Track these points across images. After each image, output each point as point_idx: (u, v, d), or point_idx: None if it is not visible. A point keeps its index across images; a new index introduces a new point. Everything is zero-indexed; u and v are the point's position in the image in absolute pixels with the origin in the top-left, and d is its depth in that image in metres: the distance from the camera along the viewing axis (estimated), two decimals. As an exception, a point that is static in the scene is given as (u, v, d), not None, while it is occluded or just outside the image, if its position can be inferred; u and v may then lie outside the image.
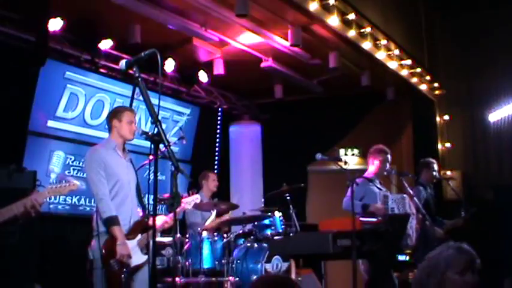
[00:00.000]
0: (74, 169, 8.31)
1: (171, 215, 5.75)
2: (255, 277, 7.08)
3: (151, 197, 3.89)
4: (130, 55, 3.58)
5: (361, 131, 11.62)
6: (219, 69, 9.35)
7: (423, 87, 11.33)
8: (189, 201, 6.07)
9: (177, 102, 10.00)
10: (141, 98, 3.56)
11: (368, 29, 8.76)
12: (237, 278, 7.17)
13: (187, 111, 10.19)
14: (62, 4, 7.16)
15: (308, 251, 5.88)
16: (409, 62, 10.23)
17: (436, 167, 8.45)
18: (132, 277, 5.10)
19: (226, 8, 7.43)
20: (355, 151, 11.88)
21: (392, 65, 9.81)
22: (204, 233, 7.30)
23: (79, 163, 8.28)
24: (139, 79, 3.58)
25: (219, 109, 11.55)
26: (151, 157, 3.58)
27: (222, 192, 9.01)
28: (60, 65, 7.99)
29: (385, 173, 7.30)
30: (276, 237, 7.41)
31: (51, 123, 8.02)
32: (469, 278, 2.82)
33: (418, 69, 10.75)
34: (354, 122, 11.74)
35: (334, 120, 11.49)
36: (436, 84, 11.72)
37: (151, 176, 3.52)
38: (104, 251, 4.95)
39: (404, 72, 10.32)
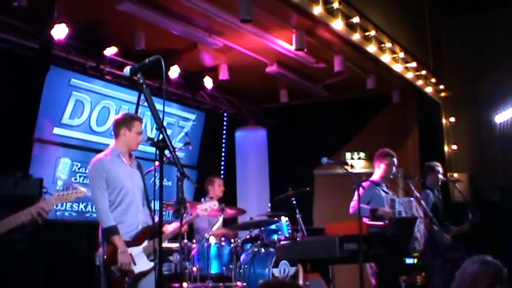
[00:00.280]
0: (80, 176, 8.32)
1: (186, 220, 5.77)
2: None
3: (158, 202, 3.89)
4: (135, 61, 3.59)
5: (367, 134, 11.60)
6: (224, 74, 9.37)
7: (429, 89, 11.31)
8: (205, 208, 6.06)
9: (183, 107, 10.01)
10: (146, 104, 3.56)
11: (372, 32, 8.75)
12: (245, 283, 7.17)
13: (193, 116, 10.20)
14: (67, 11, 7.18)
15: (315, 255, 5.88)
16: (414, 64, 10.22)
17: (441, 170, 8.42)
18: (138, 284, 5.10)
19: (231, 14, 7.44)
20: (362, 155, 11.86)
21: (398, 68, 9.80)
22: (212, 239, 7.31)
23: (85, 170, 8.28)
24: (144, 85, 3.59)
25: (225, 114, 11.56)
26: (157, 163, 3.58)
27: (229, 197, 9.00)
28: (65, 72, 8.01)
29: (392, 176, 7.29)
30: (283, 242, 7.40)
31: (57, 131, 8.04)
32: None
33: (424, 72, 10.72)
34: (359, 126, 11.72)
35: (340, 124, 11.47)
36: (441, 87, 11.70)
37: (158, 182, 3.52)
38: (105, 257, 4.97)
39: (409, 75, 10.30)
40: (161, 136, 3.45)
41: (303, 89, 10.49)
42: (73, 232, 8.18)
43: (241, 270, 7.27)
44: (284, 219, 7.85)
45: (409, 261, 6.94)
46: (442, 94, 11.95)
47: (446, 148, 12.05)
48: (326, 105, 11.41)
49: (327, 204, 11.31)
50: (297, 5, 7.24)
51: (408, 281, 7.48)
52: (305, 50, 8.34)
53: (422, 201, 7.36)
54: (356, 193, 6.00)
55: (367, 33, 8.70)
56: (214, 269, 7.19)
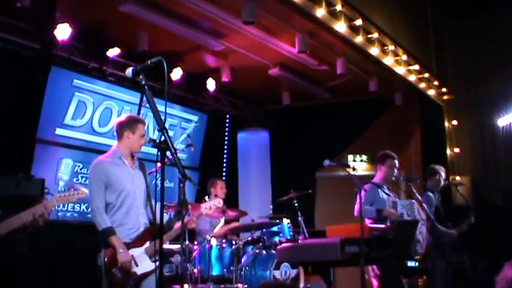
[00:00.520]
0: (82, 177, 8.32)
1: (194, 215, 5.77)
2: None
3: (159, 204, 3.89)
4: (138, 63, 3.59)
5: (369, 136, 11.59)
6: (226, 76, 9.37)
7: (431, 92, 11.30)
8: (209, 206, 6.05)
9: (185, 109, 10.00)
10: (148, 105, 3.56)
11: (375, 35, 8.76)
12: (246, 285, 7.17)
13: (195, 118, 10.20)
14: (70, 12, 7.20)
15: (316, 257, 5.87)
16: (417, 67, 10.22)
17: (443, 174, 8.42)
18: (140, 285, 5.09)
19: (234, 16, 7.44)
20: (364, 157, 11.85)
21: (400, 70, 9.80)
22: (213, 240, 7.30)
23: (87, 171, 8.25)
24: (146, 87, 3.59)
25: (227, 116, 11.57)
26: (158, 165, 3.58)
27: (230, 199, 9.00)
28: (68, 73, 8.01)
29: (394, 179, 7.27)
30: (284, 244, 7.39)
31: (59, 131, 8.04)
32: None
33: (426, 75, 10.72)
34: (362, 128, 11.71)
35: (342, 126, 11.47)
36: (444, 90, 11.69)
37: (159, 183, 3.52)
38: (106, 260, 4.97)
39: (412, 78, 10.30)
40: (163, 137, 3.45)
41: (306, 91, 10.49)
42: (74, 233, 8.17)
43: (242, 272, 7.26)
44: (286, 221, 7.85)
45: (410, 264, 6.92)
46: (445, 97, 11.94)
47: (448, 151, 12.04)
48: (328, 108, 11.41)
49: (329, 207, 11.30)
50: (299, 7, 7.24)
51: (410, 284, 7.46)
52: (308, 52, 8.34)
53: (424, 204, 7.35)
54: (359, 196, 5.99)
55: (370, 36, 8.70)
56: (215, 270, 7.18)
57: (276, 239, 7.69)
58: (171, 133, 9.33)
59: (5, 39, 7.23)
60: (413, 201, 6.80)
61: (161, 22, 7.50)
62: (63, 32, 7.20)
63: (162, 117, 3.50)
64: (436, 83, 11.27)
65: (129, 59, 8.24)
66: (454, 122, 12.21)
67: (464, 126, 12.21)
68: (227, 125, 11.67)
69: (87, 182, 8.07)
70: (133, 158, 5.31)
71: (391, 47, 9.27)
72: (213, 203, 6.12)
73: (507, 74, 11.62)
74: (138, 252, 5.07)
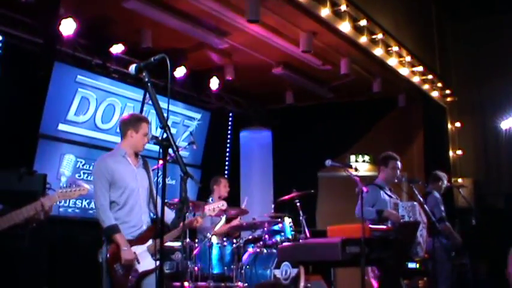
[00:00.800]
0: (84, 173, 8.34)
1: (198, 215, 5.77)
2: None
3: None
4: (141, 60, 3.59)
5: (372, 137, 11.58)
6: (230, 74, 9.37)
7: (435, 94, 11.30)
8: (213, 208, 6.05)
9: (188, 107, 10.01)
10: (150, 102, 3.56)
11: (380, 36, 8.75)
12: (246, 284, 7.16)
13: (198, 116, 10.21)
14: (74, 8, 7.20)
15: (317, 257, 5.87)
16: (420, 68, 10.21)
17: (446, 181, 8.45)
18: (141, 282, 5.09)
19: (238, 14, 7.44)
20: (366, 157, 11.85)
21: (404, 71, 9.79)
22: (214, 238, 7.31)
23: (89, 167, 8.31)
24: (149, 84, 3.58)
25: (230, 114, 11.57)
26: (160, 162, 3.58)
27: (232, 197, 9.00)
28: (71, 69, 8.02)
29: (396, 180, 7.26)
30: (285, 243, 7.39)
31: (62, 127, 8.05)
32: None
33: (430, 76, 10.72)
34: (365, 129, 11.70)
35: (345, 127, 11.46)
36: (447, 91, 11.69)
37: (161, 180, 3.52)
38: (108, 256, 4.97)
39: (415, 79, 10.29)
40: (165, 135, 3.45)
41: (309, 90, 10.49)
42: (76, 229, 8.19)
43: (242, 271, 7.26)
44: (287, 220, 7.85)
45: (411, 265, 6.92)
46: (448, 99, 11.93)
47: (451, 153, 12.04)
48: (331, 108, 11.40)
49: (330, 207, 11.31)
50: (304, 7, 7.24)
51: (410, 286, 7.46)
52: (312, 51, 8.33)
53: (426, 206, 7.34)
54: (360, 196, 5.98)
55: (374, 36, 8.70)
56: (215, 268, 7.19)
57: (277, 238, 7.68)
58: (173, 130, 9.34)
59: (9, 34, 7.24)
60: (415, 203, 6.79)
61: (165, 19, 7.50)
62: (67, 27, 7.19)
63: (165, 115, 3.49)
64: (439, 84, 11.26)
65: (133, 55, 8.24)
66: (457, 124, 12.19)
67: (467, 128, 12.20)
68: (230, 123, 11.68)
69: (89, 178, 8.17)
70: (137, 156, 5.32)
71: (395, 48, 9.27)
72: (216, 205, 6.12)
73: (511, 77, 11.60)
74: (140, 250, 5.08)
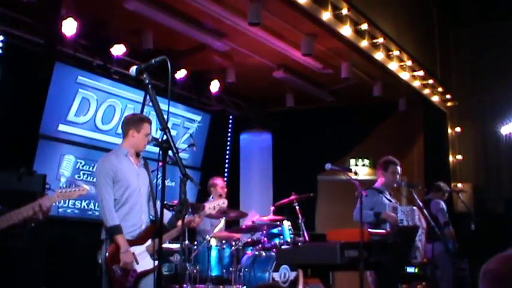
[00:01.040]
0: (84, 173, 8.33)
1: (197, 214, 5.77)
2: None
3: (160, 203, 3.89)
4: (142, 61, 3.59)
5: (372, 141, 11.58)
6: (230, 77, 9.37)
7: (435, 98, 11.30)
8: (213, 206, 6.04)
9: (188, 109, 10.01)
10: (151, 104, 3.57)
11: (380, 40, 8.75)
12: (245, 286, 7.15)
13: (198, 118, 10.21)
14: (75, 9, 7.21)
15: (316, 261, 5.86)
16: (421, 73, 10.21)
17: (447, 194, 8.50)
18: (140, 282, 5.10)
19: (239, 17, 7.44)
20: (366, 161, 11.85)
21: (405, 75, 9.79)
22: (213, 241, 7.30)
23: (89, 167, 8.31)
24: (150, 85, 3.59)
25: (230, 117, 11.57)
26: (160, 163, 3.58)
27: (232, 200, 9.00)
28: (72, 70, 8.03)
29: (395, 185, 7.26)
30: (284, 247, 7.39)
31: (62, 127, 8.05)
32: None
33: (431, 81, 10.72)
34: (365, 132, 11.71)
35: (345, 130, 11.46)
36: (448, 96, 11.69)
37: (161, 182, 3.52)
38: (107, 255, 4.98)
39: (416, 83, 10.29)
40: (165, 137, 3.45)
41: (310, 94, 10.49)
42: (75, 229, 8.19)
43: (241, 274, 7.26)
44: (286, 223, 7.84)
45: (410, 270, 6.92)
46: (449, 104, 11.94)
47: (451, 158, 12.03)
48: (332, 111, 11.40)
49: (329, 210, 11.30)
50: (305, 10, 7.24)
51: (408, 290, 7.45)
52: (312, 55, 8.33)
53: (425, 211, 7.34)
54: (359, 200, 5.98)
55: (375, 41, 8.70)
56: (214, 271, 7.18)
57: (276, 241, 7.68)
58: (173, 132, 9.34)
59: (10, 34, 7.24)
60: (414, 207, 6.79)
61: (166, 21, 7.50)
62: (68, 27, 7.19)
63: (165, 117, 3.50)
64: (440, 89, 11.26)
65: (134, 57, 8.24)
66: (458, 129, 12.19)
67: (467, 133, 12.21)
68: (230, 125, 11.67)
69: (88, 179, 8.17)
70: (138, 156, 5.34)
71: (396, 52, 9.27)
72: (217, 203, 6.11)
73: (511, 82, 11.60)
74: (139, 250, 5.08)
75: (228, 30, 7.98)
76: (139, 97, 8.73)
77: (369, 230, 6.05)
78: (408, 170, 10.31)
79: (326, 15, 7.50)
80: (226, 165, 11.58)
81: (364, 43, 8.41)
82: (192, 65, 9.17)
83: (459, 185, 11.67)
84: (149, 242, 5.16)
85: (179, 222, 5.29)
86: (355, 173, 6.24)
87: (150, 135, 5.33)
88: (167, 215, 5.32)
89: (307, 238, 7.87)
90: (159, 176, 3.57)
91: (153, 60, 3.61)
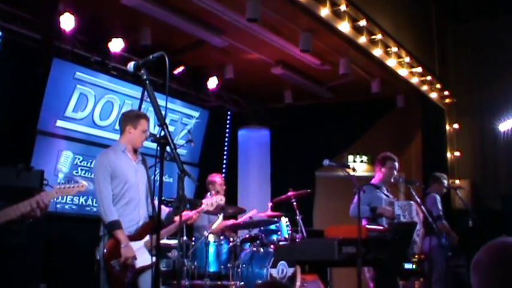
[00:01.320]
0: (82, 169, 8.33)
1: (195, 210, 5.78)
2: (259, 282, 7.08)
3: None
4: (140, 57, 3.59)
5: (370, 137, 11.59)
6: (229, 73, 9.37)
7: (433, 95, 11.30)
8: (211, 203, 6.03)
9: (186, 105, 10.00)
10: (149, 100, 3.56)
11: (379, 36, 8.75)
12: (242, 282, 7.16)
13: (196, 114, 10.20)
14: (73, 4, 7.20)
15: (314, 257, 5.87)
16: (419, 69, 10.21)
17: (446, 182, 8.46)
18: (138, 278, 5.10)
19: (238, 13, 7.44)
20: (364, 158, 11.85)
21: (403, 72, 9.79)
22: (210, 237, 7.30)
23: (87, 163, 8.30)
24: (147, 81, 3.58)
25: (229, 113, 11.56)
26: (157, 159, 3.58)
27: (230, 196, 9.01)
28: (70, 65, 8.01)
29: (393, 181, 7.28)
30: (282, 243, 7.40)
31: (60, 123, 8.04)
32: None
33: (429, 77, 10.72)
34: (363, 129, 11.71)
35: (344, 127, 11.47)
36: (446, 93, 11.69)
37: (158, 178, 3.52)
38: (105, 251, 4.98)
39: (414, 80, 10.29)
40: (163, 133, 3.45)
41: (308, 90, 10.49)
42: (73, 225, 8.19)
43: (239, 270, 7.26)
44: (284, 219, 7.85)
45: (407, 266, 6.92)
46: (447, 100, 11.93)
47: (449, 154, 12.04)
48: (330, 107, 11.40)
49: (327, 206, 11.31)
50: (304, 6, 7.24)
51: (406, 286, 7.46)
52: (311, 51, 8.33)
53: (423, 206, 7.35)
54: (356, 196, 5.99)
55: (373, 37, 8.69)
56: (212, 267, 7.18)
57: (274, 237, 7.69)
58: (171, 128, 9.32)
59: (8, 30, 7.23)
60: (411, 202, 6.80)
61: (164, 17, 7.49)
62: (66, 22, 7.19)
63: (163, 113, 3.49)
64: (438, 86, 11.26)
65: (132, 53, 8.23)
66: (456, 126, 12.20)
67: (465, 129, 12.20)
68: (228, 121, 11.67)
69: (86, 174, 8.17)
70: (136, 152, 5.35)
71: (395, 49, 9.27)
72: (215, 200, 6.11)
73: (509, 80, 11.60)
74: (137, 245, 5.09)
75: (227, 26, 7.98)
76: (137, 93, 8.72)
77: (367, 226, 6.06)
78: (406, 167, 10.32)
79: (324, 11, 7.49)
80: (224, 162, 11.58)
81: (362, 39, 8.40)
82: (190, 61, 9.16)
83: (457, 181, 11.67)
84: (147, 237, 5.17)
85: (176, 218, 5.30)
86: (353, 169, 6.25)
87: (148, 131, 5.34)
88: (164, 211, 5.32)
89: (305, 234, 7.88)
90: (156, 172, 3.57)
91: (151, 56, 3.61)
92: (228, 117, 11.64)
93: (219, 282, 7.15)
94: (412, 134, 11.76)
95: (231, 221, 8.00)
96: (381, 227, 6.36)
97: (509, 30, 11.68)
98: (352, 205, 6.69)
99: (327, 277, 8.78)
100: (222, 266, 7.26)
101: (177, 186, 3.55)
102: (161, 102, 3.58)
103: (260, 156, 11.71)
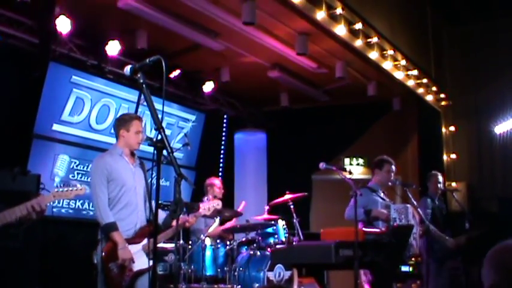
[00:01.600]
0: (78, 173, 8.32)
1: (192, 215, 5.77)
2: (257, 285, 7.08)
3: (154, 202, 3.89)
4: (136, 60, 3.60)
5: (366, 140, 11.60)
6: (225, 76, 9.37)
7: (429, 97, 11.32)
8: (208, 208, 6.03)
9: (183, 108, 10.00)
10: (145, 103, 3.56)
11: (375, 39, 8.76)
12: (239, 286, 7.16)
13: (193, 117, 10.20)
14: (69, 8, 7.20)
15: (310, 260, 5.86)
16: (415, 72, 10.23)
17: (440, 179, 8.44)
18: (135, 282, 5.10)
19: (234, 16, 7.44)
20: (360, 161, 11.86)
21: (399, 75, 9.81)
22: (207, 240, 7.30)
23: (83, 167, 8.30)
24: (144, 85, 3.58)
25: (225, 116, 11.57)
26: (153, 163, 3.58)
27: (226, 199, 9.00)
28: (66, 69, 8.01)
29: (390, 184, 7.27)
30: (278, 246, 7.39)
31: (56, 127, 8.04)
32: None
33: (425, 80, 10.74)
34: (359, 132, 11.72)
35: (340, 130, 11.48)
36: (442, 95, 11.71)
37: (155, 181, 3.52)
38: (103, 254, 4.98)
39: (410, 83, 10.31)
40: (160, 136, 3.45)
41: (304, 93, 10.50)
42: (69, 229, 8.17)
43: (236, 273, 7.26)
44: (281, 223, 7.85)
45: (404, 268, 6.91)
46: (443, 103, 11.95)
47: (445, 157, 12.05)
48: (326, 110, 11.41)
49: (324, 209, 11.30)
50: (300, 10, 7.25)
51: (403, 289, 7.45)
52: (307, 54, 8.34)
53: (418, 209, 7.35)
54: (352, 199, 5.98)
55: (369, 40, 8.71)
56: (209, 270, 7.18)
57: (271, 240, 7.69)
58: (168, 132, 9.32)
59: (5, 33, 7.23)
60: (407, 205, 6.79)
61: (160, 20, 7.49)
62: (62, 25, 7.19)
63: (160, 116, 3.49)
64: (434, 88, 11.29)
65: (128, 56, 8.23)
66: (452, 128, 12.21)
67: (461, 132, 12.22)
68: (224, 125, 11.68)
69: (83, 178, 8.16)
70: (133, 156, 5.35)
71: (390, 52, 9.28)
72: (211, 205, 6.11)
73: (505, 82, 11.62)
74: (135, 249, 5.08)
75: (223, 29, 7.98)
76: (134, 97, 8.72)
77: (364, 229, 6.06)
78: (402, 169, 10.32)
79: (320, 15, 7.50)
80: (221, 165, 11.58)
81: (358, 42, 8.42)
82: (187, 65, 9.17)
83: (453, 183, 11.68)
84: (145, 241, 5.16)
85: (174, 222, 5.30)
86: (350, 172, 6.24)
87: (144, 133, 5.34)
88: (161, 215, 5.31)
89: (301, 237, 7.88)
90: (153, 176, 3.56)
91: (147, 60, 3.61)
92: (225, 120, 11.65)
93: (215, 286, 7.14)
94: (408, 137, 11.78)
95: (228, 224, 8.00)
96: (378, 230, 6.35)
97: (505, 32, 11.71)
98: (347, 208, 6.68)
99: (324, 280, 8.77)
100: (219, 270, 7.25)
101: (173, 190, 3.55)
102: (157, 105, 3.58)
103: (256, 160, 11.72)
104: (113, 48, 8.05)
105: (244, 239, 7.71)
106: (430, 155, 11.39)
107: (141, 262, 5.07)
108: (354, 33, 8.31)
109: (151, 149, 3.55)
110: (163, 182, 8.93)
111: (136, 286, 5.10)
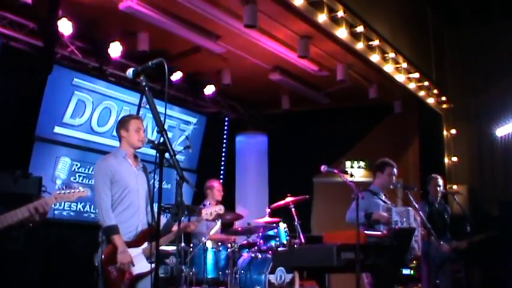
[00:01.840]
0: (79, 176, 8.32)
1: (193, 219, 5.78)
2: (258, 288, 7.09)
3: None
4: (138, 63, 3.60)
5: (367, 143, 11.60)
6: (226, 79, 9.38)
7: (431, 100, 11.31)
8: (210, 212, 6.02)
9: (184, 111, 10.01)
10: (147, 106, 3.57)
11: (376, 42, 8.76)
12: (241, 289, 7.16)
13: (194, 120, 10.21)
14: (71, 11, 7.21)
15: (312, 263, 5.86)
16: (416, 75, 10.22)
17: (440, 182, 8.44)
18: (135, 285, 5.09)
19: (235, 19, 7.45)
20: (362, 163, 11.85)
21: (400, 78, 9.80)
22: (209, 243, 7.30)
23: (85, 170, 8.30)
24: (146, 88, 3.58)
25: (226, 119, 11.57)
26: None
27: (228, 202, 9.01)
28: (68, 72, 8.02)
29: (391, 186, 7.26)
30: (280, 249, 7.39)
31: (58, 130, 8.04)
32: None
33: (426, 83, 10.73)
34: (360, 135, 11.72)
35: (341, 132, 11.48)
36: (443, 98, 11.70)
37: (157, 184, 3.52)
38: (103, 257, 4.97)
39: (412, 86, 10.31)
40: (162, 139, 3.45)
41: (305, 96, 10.50)
42: (71, 231, 8.18)
43: (237, 276, 7.26)
44: (282, 225, 7.84)
45: (405, 271, 6.92)
46: (444, 106, 11.95)
47: (446, 160, 12.04)
48: (328, 113, 11.42)
49: (325, 212, 11.30)
50: (301, 13, 7.25)
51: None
52: (308, 57, 8.34)
53: (420, 212, 7.35)
54: (354, 202, 5.98)
55: (370, 43, 8.71)
56: (210, 273, 7.17)
57: (272, 243, 7.68)
58: (169, 134, 9.28)
59: (7, 36, 7.24)
60: (409, 208, 6.79)
61: (162, 23, 7.50)
62: (64, 27, 7.21)
63: (162, 119, 3.49)
64: (435, 91, 11.28)
65: (130, 59, 8.24)
66: (453, 131, 12.21)
67: (462, 135, 12.21)
68: (226, 127, 11.69)
69: (84, 181, 8.17)
70: (136, 158, 5.35)
71: (392, 55, 9.28)
72: (214, 210, 6.11)
73: (506, 85, 11.61)
74: (135, 252, 5.08)
75: (224, 32, 7.99)
76: (135, 99, 8.73)
77: (365, 232, 6.05)
78: (404, 172, 10.32)
79: (322, 18, 7.51)
80: (222, 167, 11.58)
81: (359, 45, 8.42)
82: (188, 67, 9.17)
83: (454, 186, 11.67)
84: (145, 244, 5.16)
85: (175, 227, 5.30)
86: (351, 175, 6.24)
87: (145, 132, 5.35)
88: (161, 220, 5.31)
89: (303, 240, 7.88)
90: (156, 178, 3.56)
91: (150, 63, 3.61)
92: (226, 123, 11.65)
93: (217, 289, 7.15)
94: (409, 140, 11.77)
95: (229, 237, 8.00)
96: (379, 233, 6.35)
97: (506, 35, 11.71)
98: (348, 211, 6.68)
99: (325, 283, 8.78)
100: (220, 272, 7.25)
101: (175, 193, 3.54)
102: (159, 108, 3.59)
103: (258, 162, 11.72)
104: (115, 50, 8.06)
105: (245, 242, 7.71)
106: (431, 158, 11.38)
107: (141, 265, 5.07)
108: (355, 36, 8.31)
109: (153, 152, 3.55)
110: (165, 185, 8.94)
111: (137, 289, 5.11)
